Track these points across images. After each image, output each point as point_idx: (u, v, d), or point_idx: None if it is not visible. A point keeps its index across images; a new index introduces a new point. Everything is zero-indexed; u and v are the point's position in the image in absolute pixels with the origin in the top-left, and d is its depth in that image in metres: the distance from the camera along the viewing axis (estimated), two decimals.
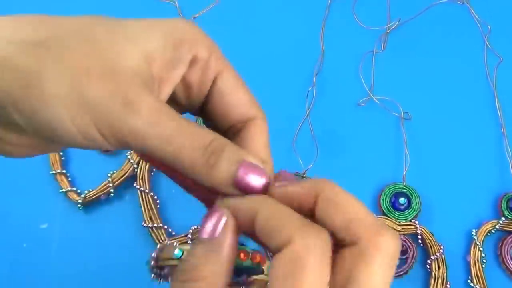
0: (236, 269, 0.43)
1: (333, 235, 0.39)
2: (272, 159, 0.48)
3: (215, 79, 0.46)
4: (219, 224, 0.40)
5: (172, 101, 0.47)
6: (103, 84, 0.38)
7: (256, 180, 0.40)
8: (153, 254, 0.55)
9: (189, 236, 0.95)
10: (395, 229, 0.95)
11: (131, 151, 1.00)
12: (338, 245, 0.39)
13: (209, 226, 0.40)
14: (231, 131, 0.47)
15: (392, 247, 0.38)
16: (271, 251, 0.38)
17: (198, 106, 0.48)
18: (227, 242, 0.39)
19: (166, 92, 0.44)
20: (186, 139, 0.39)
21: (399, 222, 0.97)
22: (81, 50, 0.39)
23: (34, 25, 0.39)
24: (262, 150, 0.46)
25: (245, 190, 0.40)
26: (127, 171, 1.00)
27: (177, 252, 0.48)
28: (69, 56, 0.38)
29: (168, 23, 0.43)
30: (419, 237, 0.96)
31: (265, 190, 0.41)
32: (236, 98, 0.46)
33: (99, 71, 0.38)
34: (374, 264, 0.37)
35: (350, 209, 0.39)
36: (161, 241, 0.95)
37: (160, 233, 0.96)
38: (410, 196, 0.98)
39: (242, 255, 0.45)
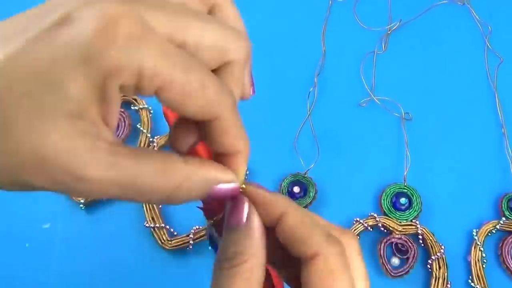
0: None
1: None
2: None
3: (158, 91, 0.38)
4: (244, 211, 0.42)
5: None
6: (42, 174, 0.34)
7: (227, 192, 0.41)
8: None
9: (191, 236, 0.95)
10: (396, 229, 0.96)
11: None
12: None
13: (236, 214, 0.42)
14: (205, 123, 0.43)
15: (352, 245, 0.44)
16: (296, 254, 0.41)
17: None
18: (256, 225, 0.42)
19: (113, 122, 0.38)
20: (153, 190, 0.38)
21: (400, 222, 0.97)
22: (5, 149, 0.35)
23: None
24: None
25: (220, 198, 0.41)
26: None
27: None
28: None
29: (84, 64, 0.34)
30: (420, 237, 0.95)
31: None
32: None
33: (33, 163, 0.34)
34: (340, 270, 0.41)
35: (304, 226, 0.42)
36: (163, 241, 0.95)
37: (162, 233, 0.96)
38: (411, 196, 0.98)
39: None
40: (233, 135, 0.42)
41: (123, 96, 1.03)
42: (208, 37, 0.40)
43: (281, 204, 0.42)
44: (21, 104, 0.33)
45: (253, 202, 0.43)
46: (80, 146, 0.34)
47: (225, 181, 0.41)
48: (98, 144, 0.35)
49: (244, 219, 0.42)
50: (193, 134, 0.43)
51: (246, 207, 0.42)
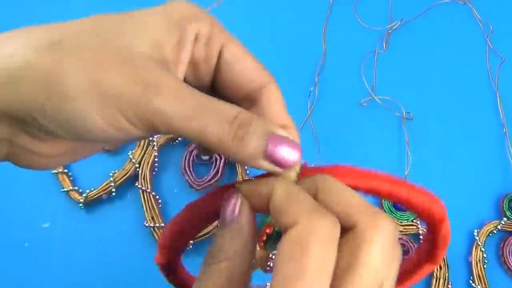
0: (274, 238, 0.45)
1: None
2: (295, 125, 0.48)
3: (220, 52, 0.46)
4: (235, 207, 0.41)
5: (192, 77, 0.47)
6: (121, 71, 0.38)
7: (288, 153, 0.40)
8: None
9: None
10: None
11: (132, 151, 1.00)
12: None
13: (227, 210, 0.41)
14: (245, 103, 0.48)
15: (389, 227, 0.38)
16: (282, 231, 0.38)
17: (208, 84, 0.48)
18: (245, 222, 0.41)
19: (180, 74, 0.44)
20: (211, 114, 0.39)
21: (401, 222, 0.97)
22: (94, 45, 0.39)
23: (45, 31, 0.40)
24: (282, 116, 0.47)
25: (278, 163, 0.40)
26: (129, 171, 1.00)
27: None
28: (83, 51, 0.39)
29: (167, 7, 0.44)
30: (421, 237, 0.96)
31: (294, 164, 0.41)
32: (244, 66, 0.47)
33: (115, 61, 0.39)
34: (373, 244, 0.37)
35: (348, 197, 0.40)
36: None
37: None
38: None
39: (267, 230, 0.46)
40: (283, 105, 0.47)
41: None
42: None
43: (268, 184, 0.41)
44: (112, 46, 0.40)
45: (249, 196, 0.42)
46: (154, 65, 0.40)
47: (287, 135, 0.41)
48: (168, 72, 0.40)
49: (235, 215, 0.41)
50: None
51: (238, 203, 0.41)
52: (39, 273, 0.96)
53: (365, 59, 1.13)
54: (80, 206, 0.99)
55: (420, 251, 0.56)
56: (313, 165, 0.46)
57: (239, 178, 0.99)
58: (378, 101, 1.07)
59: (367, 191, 0.45)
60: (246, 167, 0.99)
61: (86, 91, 0.37)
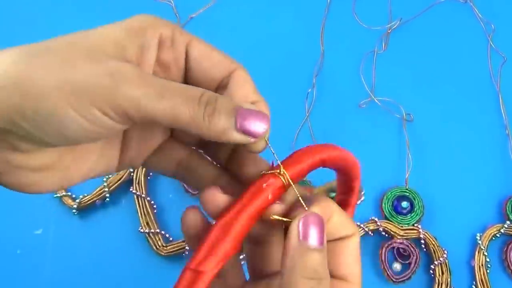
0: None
1: None
2: (265, 100, 0.50)
3: (186, 52, 0.49)
4: (324, 233, 0.45)
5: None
6: (87, 67, 0.41)
7: (257, 123, 0.44)
8: None
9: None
10: (397, 234, 0.95)
11: None
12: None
13: (318, 236, 0.45)
14: (218, 92, 0.50)
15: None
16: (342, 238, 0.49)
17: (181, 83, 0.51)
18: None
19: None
20: (178, 94, 0.42)
21: (402, 226, 0.96)
22: (61, 47, 0.42)
23: (14, 48, 0.42)
24: (251, 94, 0.49)
25: (250, 133, 0.44)
26: (123, 176, 0.98)
27: None
28: (51, 53, 0.41)
29: (127, 20, 0.47)
30: (422, 241, 0.94)
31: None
32: (210, 60, 0.49)
33: (81, 58, 0.41)
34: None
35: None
36: (158, 247, 0.94)
37: (157, 239, 0.95)
38: (413, 200, 0.97)
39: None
40: (251, 85, 0.49)
41: None
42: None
43: (328, 210, 0.47)
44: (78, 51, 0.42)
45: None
46: (117, 59, 0.42)
47: (253, 107, 0.45)
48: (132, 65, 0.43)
49: (324, 242, 0.45)
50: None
51: (325, 230, 0.46)
52: (31, 280, 0.95)
53: (364, 60, 1.12)
54: (74, 212, 0.98)
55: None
56: None
57: None
58: (378, 102, 1.06)
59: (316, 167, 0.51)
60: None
61: (57, 87, 0.39)
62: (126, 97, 0.40)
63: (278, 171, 0.47)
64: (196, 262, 0.43)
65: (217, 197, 0.47)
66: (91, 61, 0.41)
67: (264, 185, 0.46)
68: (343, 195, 0.61)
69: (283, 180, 0.47)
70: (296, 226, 0.44)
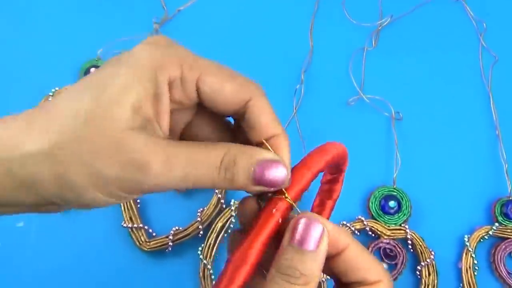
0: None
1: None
2: (284, 130, 0.52)
3: (197, 88, 0.49)
4: (321, 238, 0.46)
5: (177, 111, 0.52)
6: (114, 159, 0.44)
7: (275, 174, 0.47)
8: None
9: (170, 237, 0.93)
10: (384, 234, 0.94)
11: None
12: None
13: (311, 238, 0.46)
14: (235, 117, 0.53)
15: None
16: (353, 281, 0.49)
17: (195, 108, 0.54)
18: (325, 251, 0.47)
19: (166, 123, 0.49)
20: (200, 166, 0.46)
21: (389, 226, 0.95)
22: (87, 136, 0.44)
23: (37, 136, 0.45)
24: (270, 125, 0.50)
25: (269, 185, 0.47)
26: None
27: None
28: (80, 147, 0.44)
29: (132, 64, 0.47)
30: (409, 242, 0.94)
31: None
32: (223, 93, 0.49)
33: (108, 149, 0.44)
34: None
35: (372, 259, 0.50)
36: (141, 242, 0.93)
37: (140, 234, 0.94)
38: (401, 200, 0.97)
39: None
40: (269, 114, 0.50)
41: None
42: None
43: (346, 237, 0.49)
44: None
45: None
46: (141, 140, 0.45)
47: (270, 158, 0.48)
48: (155, 139, 0.46)
49: (315, 245, 0.46)
50: None
51: (321, 233, 0.46)
52: (13, 273, 0.94)
53: (354, 57, 1.11)
54: None
55: (321, 194, 0.65)
56: None
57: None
58: (367, 100, 1.06)
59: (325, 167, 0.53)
60: None
61: (90, 182, 0.44)
62: (152, 186, 0.45)
63: (284, 195, 0.49)
64: None
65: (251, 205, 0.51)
66: (117, 152, 0.44)
67: (274, 210, 0.48)
68: (328, 183, 0.64)
69: (290, 201, 0.49)
70: (295, 226, 0.47)
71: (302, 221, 0.46)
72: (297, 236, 0.46)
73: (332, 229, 0.48)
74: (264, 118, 0.50)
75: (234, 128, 0.56)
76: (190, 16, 1.14)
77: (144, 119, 0.46)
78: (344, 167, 0.60)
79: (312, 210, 0.65)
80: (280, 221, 0.48)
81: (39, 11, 1.16)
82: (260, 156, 0.47)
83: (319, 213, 0.65)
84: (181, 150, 0.46)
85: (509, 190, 0.98)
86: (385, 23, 1.13)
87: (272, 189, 0.48)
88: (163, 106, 0.48)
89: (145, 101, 0.46)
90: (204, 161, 0.46)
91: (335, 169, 0.61)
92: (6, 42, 1.12)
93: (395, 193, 0.97)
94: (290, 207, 0.49)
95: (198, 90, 0.49)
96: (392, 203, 0.96)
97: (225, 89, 0.49)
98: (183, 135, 0.55)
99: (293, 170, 0.51)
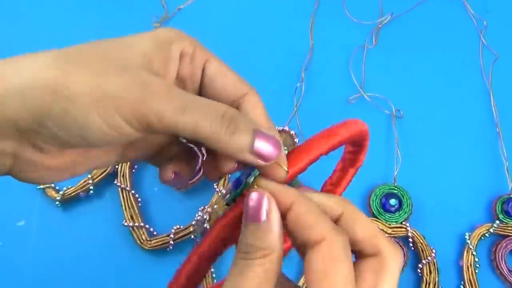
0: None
1: (353, 246, 0.47)
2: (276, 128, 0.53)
3: (203, 68, 0.52)
4: (266, 206, 0.46)
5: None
6: (118, 78, 0.44)
7: (271, 149, 0.47)
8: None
9: (171, 236, 0.93)
10: (385, 232, 0.94)
11: None
12: (357, 255, 0.48)
13: (257, 209, 0.46)
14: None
15: (401, 257, 0.48)
16: (300, 243, 0.45)
17: None
18: (276, 220, 0.46)
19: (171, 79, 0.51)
20: (202, 108, 0.45)
21: (390, 224, 0.95)
22: (94, 57, 0.45)
23: (49, 51, 0.45)
24: (263, 120, 0.51)
25: (262, 157, 0.47)
26: (108, 168, 0.97)
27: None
28: (86, 62, 0.44)
29: (153, 32, 0.50)
30: (410, 240, 0.94)
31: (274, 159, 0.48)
32: (225, 79, 0.52)
33: (113, 69, 0.44)
34: (394, 274, 0.46)
35: (371, 226, 0.48)
36: (142, 241, 0.93)
37: (141, 232, 0.94)
38: (401, 198, 0.97)
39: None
40: (262, 111, 0.52)
41: None
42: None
43: (291, 195, 0.47)
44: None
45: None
46: (147, 72, 0.45)
47: (269, 133, 0.47)
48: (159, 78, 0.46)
49: (264, 216, 0.46)
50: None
51: (266, 203, 0.46)
52: (13, 272, 0.94)
53: (354, 55, 1.12)
54: (57, 204, 0.97)
55: (344, 161, 0.67)
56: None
57: (222, 182, 0.98)
58: (367, 98, 1.06)
59: (329, 151, 0.53)
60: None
61: (88, 95, 0.43)
62: (152, 109, 0.43)
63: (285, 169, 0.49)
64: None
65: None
66: (123, 73, 0.44)
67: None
68: (350, 153, 0.66)
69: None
70: (245, 204, 0.47)
71: (249, 197, 0.47)
72: (249, 213, 0.46)
73: (275, 190, 0.47)
74: (259, 113, 0.51)
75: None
76: (190, 14, 1.15)
77: (152, 70, 0.47)
78: (365, 142, 0.62)
79: (333, 174, 0.68)
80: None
81: (39, 10, 1.16)
82: (262, 128, 0.47)
83: (341, 178, 0.68)
84: (185, 92, 0.46)
85: (509, 188, 0.98)
86: (385, 21, 1.13)
87: (261, 162, 0.47)
88: (171, 71, 0.50)
89: (156, 58, 0.48)
90: (208, 106, 0.45)
91: (356, 144, 0.62)
92: (6, 40, 1.12)
93: (396, 191, 0.97)
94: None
95: (204, 71, 0.52)
96: (393, 201, 0.96)
97: (228, 75, 0.52)
98: (155, 159, 0.57)
99: (292, 152, 0.51)
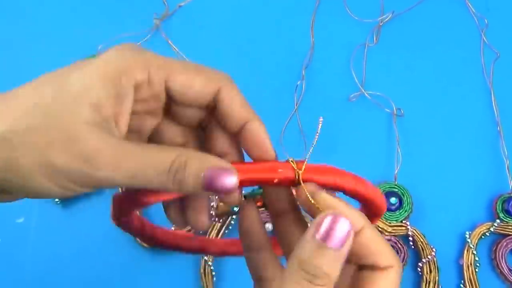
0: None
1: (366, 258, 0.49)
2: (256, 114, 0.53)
3: (167, 87, 0.50)
4: (348, 236, 0.45)
5: (144, 113, 0.53)
6: (65, 150, 0.44)
7: (223, 181, 0.46)
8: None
9: None
10: (385, 230, 0.94)
11: None
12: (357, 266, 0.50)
13: (338, 236, 0.45)
14: (207, 109, 0.54)
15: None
16: (362, 263, 0.48)
17: (162, 109, 0.54)
18: (348, 250, 0.45)
19: (124, 123, 0.49)
20: (150, 168, 0.46)
21: (390, 222, 0.95)
22: (41, 126, 0.45)
23: None
24: (241, 112, 0.52)
25: (218, 192, 0.46)
26: None
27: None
28: (33, 136, 0.45)
29: (99, 65, 0.48)
30: (410, 238, 0.94)
31: (237, 188, 0.47)
32: (193, 88, 0.51)
33: (60, 139, 0.45)
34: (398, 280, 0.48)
35: (385, 244, 0.49)
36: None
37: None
38: (402, 196, 0.96)
39: (258, 203, 0.55)
40: (239, 100, 0.51)
41: None
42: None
43: (361, 220, 0.47)
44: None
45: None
46: (94, 134, 0.45)
47: (221, 165, 0.47)
48: (108, 136, 0.46)
49: (341, 244, 0.45)
50: None
51: (348, 231, 0.45)
52: (13, 269, 0.94)
53: (355, 53, 1.11)
54: (56, 201, 0.97)
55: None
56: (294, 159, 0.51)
57: None
58: (368, 96, 1.06)
59: (334, 188, 0.52)
60: None
61: (40, 170, 0.45)
62: (101, 179, 0.45)
63: (299, 170, 0.50)
64: None
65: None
66: (69, 143, 0.45)
67: (280, 170, 0.49)
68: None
69: (297, 176, 0.49)
70: (321, 221, 0.45)
71: (329, 217, 0.45)
72: (322, 230, 0.45)
73: (349, 212, 0.47)
74: (235, 105, 0.51)
75: (203, 137, 0.57)
76: (191, 12, 1.14)
77: (101, 118, 0.47)
78: (375, 218, 0.59)
79: None
80: (276, 181, 0.49)
81: (39, 7, 1.16)
82: (211, 163, 0.47)
83: None
84: (132, 150, 0.46)
85: (510, 187, 0.98)
86: (386, 19, 1.13)
87: (222, 196, 0.49)
88: (123, 108, 0.49)
89: (105, 101, 0.47)
90: (154, 162, 0.46)
91: (368, 211, 0.58)
92: (5, 38, 1.12)
93: (396, 190, 0.97)
94: (292, 183, 0.50)
95: (168, 89, 0.51)
96: (393, 200, 0.95)
97: (195, 83, 0.51)
98: (151, 141, 0.56)
99: (326, 166, 0.53)
